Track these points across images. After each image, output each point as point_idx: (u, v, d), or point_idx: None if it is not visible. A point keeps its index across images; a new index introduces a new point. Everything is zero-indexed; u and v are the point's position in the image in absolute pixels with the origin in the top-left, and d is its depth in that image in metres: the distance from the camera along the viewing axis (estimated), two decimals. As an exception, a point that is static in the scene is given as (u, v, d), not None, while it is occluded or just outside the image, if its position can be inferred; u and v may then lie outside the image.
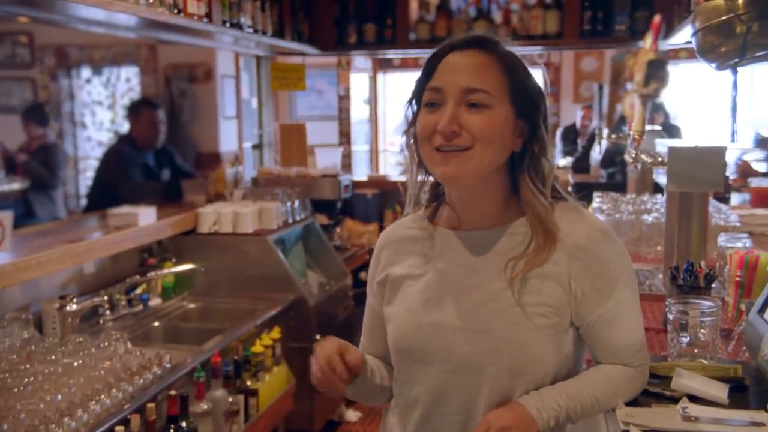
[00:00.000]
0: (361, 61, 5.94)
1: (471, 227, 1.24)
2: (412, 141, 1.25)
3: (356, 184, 4.50)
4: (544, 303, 1.17)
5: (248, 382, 2.62)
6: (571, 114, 6.74)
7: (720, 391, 1.28)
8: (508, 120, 1.18)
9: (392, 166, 6.56)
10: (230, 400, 2.44)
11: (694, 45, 1.94)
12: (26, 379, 1.84)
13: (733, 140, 2.07)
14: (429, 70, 1.20)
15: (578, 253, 1.17)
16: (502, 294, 1.18)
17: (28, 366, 1.95)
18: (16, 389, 1.79)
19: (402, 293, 1.27)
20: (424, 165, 1.24)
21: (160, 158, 3.92)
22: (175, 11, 2.74)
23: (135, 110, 3.96)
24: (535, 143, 1.20)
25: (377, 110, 6.62)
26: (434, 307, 1.22)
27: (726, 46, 1.80)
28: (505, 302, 1.17)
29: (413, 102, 1.24)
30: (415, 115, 1.23)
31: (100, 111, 5.27)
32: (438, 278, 1.23)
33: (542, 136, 1.20)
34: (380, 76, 6.69)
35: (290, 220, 3.61)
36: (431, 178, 1.29)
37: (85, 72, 5.21)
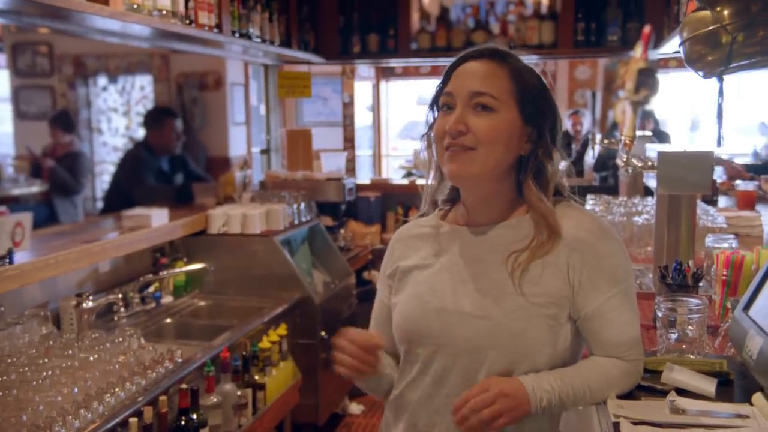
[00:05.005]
0: (364, 69, 6.01)
1: (479, 223, 1.30)
2: (430, 144, 1.31)
3: (360, 188, 4.55)
4: (543, 293, 1.21)
5: (256, 377, 2.64)
6: (565, 120, 6.82)
7: (708, 385, 1.30)
8: (514, 125, 1.24)
9: (394, 170, 6.62)
10: (239, 393, 2.47)
11: (682, 54, 1.97)
12: (44, 373, 1.89)
13: (719, 145, 2.11)
14: (446, 77, 1.28)
15: (577, 244, 1.23)
16: (504, 283, 1.23)
17: (46, 360, 1.99)
18: (35, 382, 1.84)
19: (409, 283, 1.33)
20: (439, 166, 1.31)
21: (174, 163, 3.97)
22: (187, 22, 2.78)
23: (156, 118, 4.01)
24: (540, 148, 1.26)
25: (380, 117, 6.66)
26: (439, 294, 1.27)
27: (712, 55, 1.81)
28: (506, 291, 1.22)
29: (433, 108, 1.31)
30: (435, 120, 1.30)
31: (115, 117, 5.30)
32: (444, 268, 1.29)
33: (547, 142, 1.26)
34: (383, 84, 6.75)
35: (296, 222, 3.65)
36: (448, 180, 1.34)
37: (102, 80, 5.24)
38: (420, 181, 4.79)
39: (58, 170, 4.51)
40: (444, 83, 1.29)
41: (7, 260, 2.22)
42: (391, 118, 7.12)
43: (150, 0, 2.51)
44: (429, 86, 7.49)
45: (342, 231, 4.22)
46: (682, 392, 1.28)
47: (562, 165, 1.31)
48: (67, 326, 2.42)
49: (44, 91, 5.09)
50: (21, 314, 2.25)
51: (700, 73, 1.95)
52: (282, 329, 2.95)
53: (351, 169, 4.95)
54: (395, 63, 5.50)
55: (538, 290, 1.22)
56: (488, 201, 1.30)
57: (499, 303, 1.23)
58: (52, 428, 1.70)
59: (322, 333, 3.25)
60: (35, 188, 4.54)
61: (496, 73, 1.25)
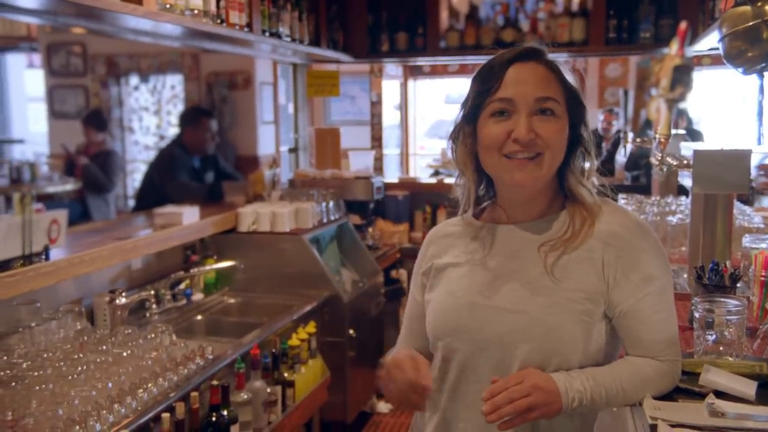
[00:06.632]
0: (392, 68, 6.00)
1: (517, 221, 1.30)
2: (466, 149, 1.29)
3: (387, 186, 4.55)
4: (579, 289, 1.21)
5: (285, 374, 2.65)
6: (595, 119, 6.75)
7: (748, 388, 1.28)
8: (567, 126, 1.25)
9: (422, 169, 6.62)
10: (268, 390, 2.47)
11: (720, 50, 1.94)
12: (79, 368, 1.91)
13: (759, 143, 2.08)
14: (492, 83, 1.23)
15: (612, 240, 1.22)
16: (540, 278, 1.23)
17: (81, 355, 2.02)
18: (70, 377, 1.86)
19: (444, 279, 1.33)
20: (479, 170, 1.29)
21: (206, 162, 4.01)
22: (218, 21, 2.79)
23: (192, 117, 4.04)
24: (581, 144, 1.27)
25: (408, 115, 6.66)
26: (474, 290, 1.27)
27: (753, 51, 1.80)
28: (541, 285, 1.22)
29: (472, 113, 1.26)
30: (470, 125, 1.27)
31: (146, 116, 5.42)
32: (480, 265, 1.29)
33: (587, 137, 1.27)
34: (411, 83, 6.74)
35: (325, 220, 3.67)
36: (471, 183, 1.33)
37: (133, 80, 5.34)
38: (448, 180, 4.79)
39: (91, 168, 4.59)
40: (491, 89, 1.24)
41: (44, 256, 2.26)
42: (419, 116, 7.11)
43: (182, 0, 2.53)
44: (457, 85, 7.46)
45: (370, 229, 4.23)
46: (720, 395, 1.26)
47: (589, 165, 1.31)
48: (100, 322, 2.46)
49: (78, 91, 5.21)
50: (56, 310, 2.29)
51: (740, 70, 1.91)
52: (311, 327, 2.95)
53: (379, 167, 4.96)
54: (424, 61, 5.48)
55: (573, 286, 1.22)
56: (533, 200, 1.29)
57: (535, 297, 1.22)
58: (87, 422, 1.72)
59: (351, 331, 3.26)
60: (69, 186, 4.63)
61: (550, 76, 1.24)
